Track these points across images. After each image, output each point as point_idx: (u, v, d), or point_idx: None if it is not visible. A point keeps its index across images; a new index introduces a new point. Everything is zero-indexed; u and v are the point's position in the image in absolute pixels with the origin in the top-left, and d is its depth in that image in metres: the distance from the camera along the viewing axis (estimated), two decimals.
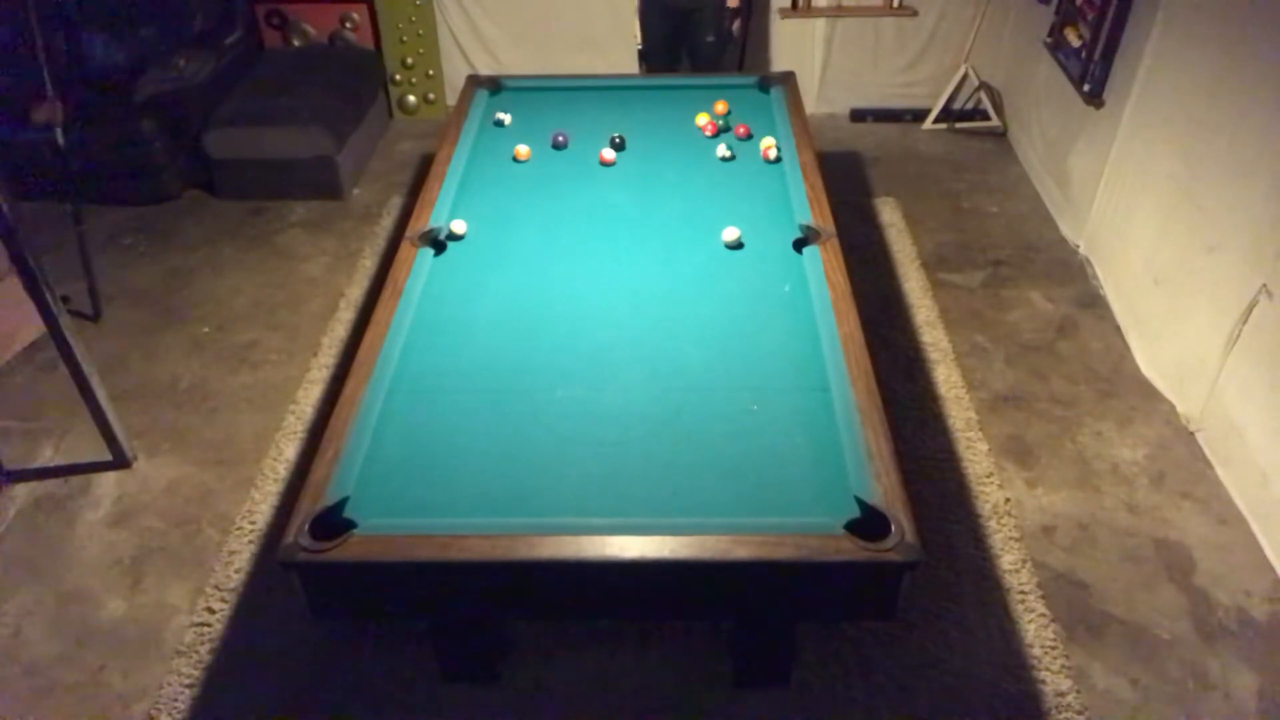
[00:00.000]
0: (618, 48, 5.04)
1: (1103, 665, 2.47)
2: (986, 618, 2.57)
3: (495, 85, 3.82)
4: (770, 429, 2.15)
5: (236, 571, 2.72)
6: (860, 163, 4.80)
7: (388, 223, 4.36)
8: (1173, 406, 3.24)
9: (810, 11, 4.83)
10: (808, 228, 2.80)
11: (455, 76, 5.04)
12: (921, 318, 3.68)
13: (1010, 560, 2.72)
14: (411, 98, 5.25)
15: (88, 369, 2.89)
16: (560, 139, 3.36)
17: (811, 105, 4.97)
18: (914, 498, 1.99)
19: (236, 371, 3.49)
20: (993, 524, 2.83)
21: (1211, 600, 2.62)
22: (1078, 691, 2.39)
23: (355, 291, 3.89)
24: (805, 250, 2.73)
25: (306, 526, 1.86)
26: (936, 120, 5.10)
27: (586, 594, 1.99)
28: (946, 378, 3.38)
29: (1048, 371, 3.43)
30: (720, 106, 3.53)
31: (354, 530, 1.86)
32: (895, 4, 4.79)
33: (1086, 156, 3.98)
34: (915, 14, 4.82)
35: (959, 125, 5.09)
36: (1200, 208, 3.11)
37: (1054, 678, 2.42)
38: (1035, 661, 2.46)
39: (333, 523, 1.87)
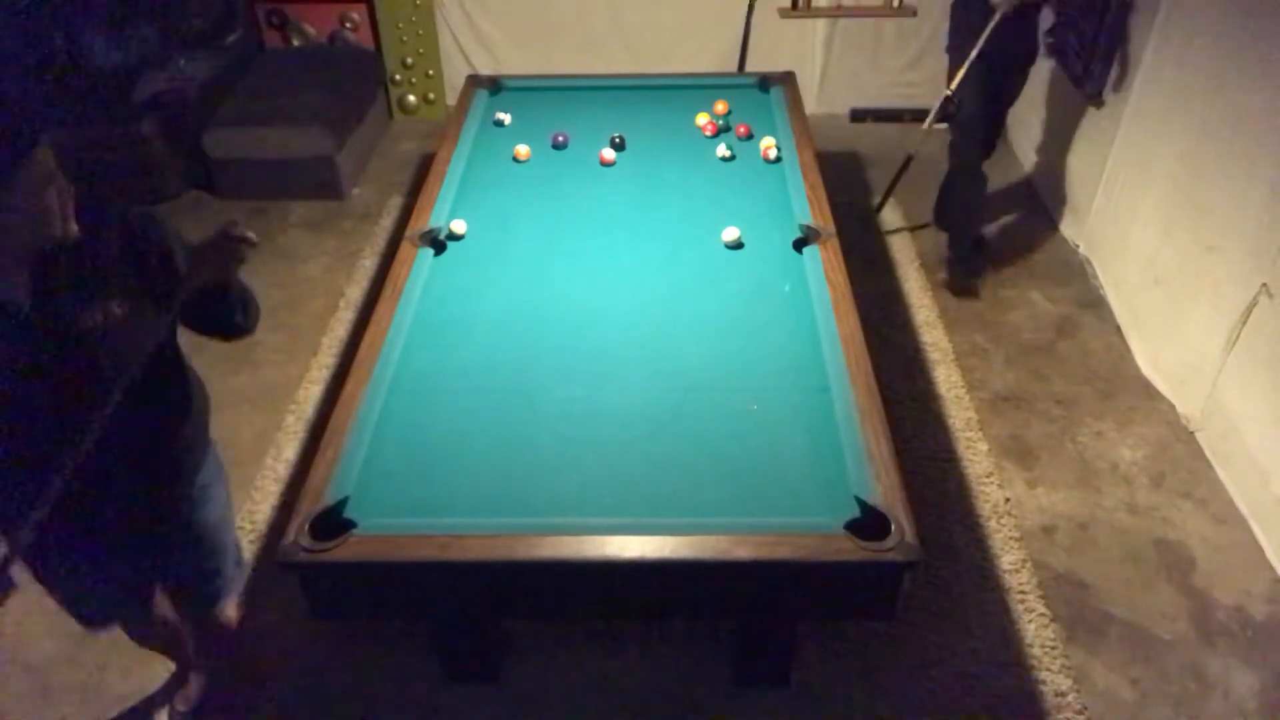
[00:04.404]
0: (618, 48, 5.04)
1: (1103, 665, 2.47)
2: (986, 618, 2.57)
3: (495, 85, 3.82)
4: (770, 429, 2.15)
5: None
6: (860, 163, 4.80)
7: (388, 223, 4.36)
8: (1173, 406, 3.24)
9: (810, 11, 4.82)
10: (808, 228, 2.80)
11: (455, 76, 5.04)
12: (921, 318, 3.68)
13: (1010, 560, 2.72)
14: (411, 98, 5.25)
15: None
16: (560, 139, 3.36)
17: (811, 105, 4.97)
18: (914, 498, 1.99)
19: (237, 371, 3.49)
20: (993, 524, 2.83)
21: (1211, 600, 2.62)
22: (1078, 691, 2.39)
23: (355, 291, 3.89)
24: (805, 250, 2.73)
25: (306, 526, 1.85)
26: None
27: (586, 594, 1.99)
28: (946, 378, 3.38)
29: (1048, 371, 3.43)
30: (720, 106, 3.53)
31: (354, 530, 1.86)
32: (895, 4, 4.78)
33: (1086, 156, 3.98)
34: (915, 14, 4.81)
35: None
36: (1200, 208, 3.11)
37: (1054, 678, 2.42)
38: (1035, 661, 2.46)
39: (333, 523, 1.87)
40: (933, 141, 5.01)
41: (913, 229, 4.21)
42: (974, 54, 3.47)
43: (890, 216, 4.32)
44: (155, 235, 1.70)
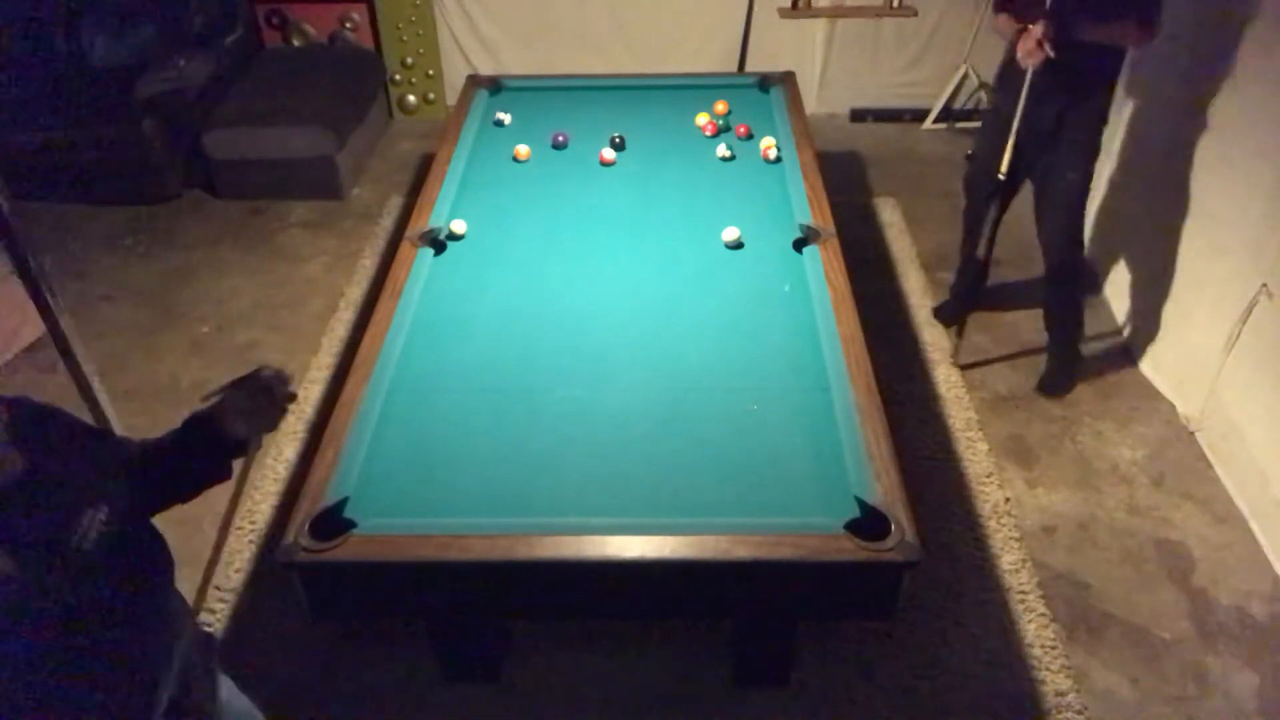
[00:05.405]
0: (618, 48, 5.04)
1: (1103, 665, 2.47)
2: (986, 618, 2.57)
3: (495, 85, 3.82)
4: (770, 429, 2.15)
5: (236, 571, 2.72)
6: (860, 163, 4.80)
7: (388, 223, 4.35)
8: (1173, 406, 3.24)
9: (810, 11, 4.82)
10: (808, 228, 2.80)
11: (455, 76, 5.03)
12: (921, 317, 3.68)
13: (1010, 560, 2.72)
14: (411, 98, 5.25)
15: (88, 369, 2.89)
16: (560, 139, 3.36)
17: (811, 105, 4.97)
18: (914, 498, 1.98)
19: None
20: (993, 524, 2.83)
21: (1211, 600, 2.62)
22: (1078, 691, 2.39)
23: (355, 291, 3.89)
24: (805, 250, 2.73)
25: (307, 526, 1.86)
26: (936, 120, 5.09)
27: (586, 594, 1.99)
28: (946, 378, 3.38)
29: None
30: (720, 106, 3.53)
31: (354, 530, 1.86)
32: (895, 4, 4.78)
33: None
34: (915, 14, 4.81)
35: (959, 125, 5.08)
36: (1200, 208, 3.11)
37: (1054, 678, 2.42)
38: (1035, 661, 2.46)
39: (333, 522, 1.87)
40: (936, 143, 5.03)
41: (913, 228, 4.17)
42: (1016, 125, 2.94)
43: (890, 216, 4.31)
44: (78, 422, 1.50)
